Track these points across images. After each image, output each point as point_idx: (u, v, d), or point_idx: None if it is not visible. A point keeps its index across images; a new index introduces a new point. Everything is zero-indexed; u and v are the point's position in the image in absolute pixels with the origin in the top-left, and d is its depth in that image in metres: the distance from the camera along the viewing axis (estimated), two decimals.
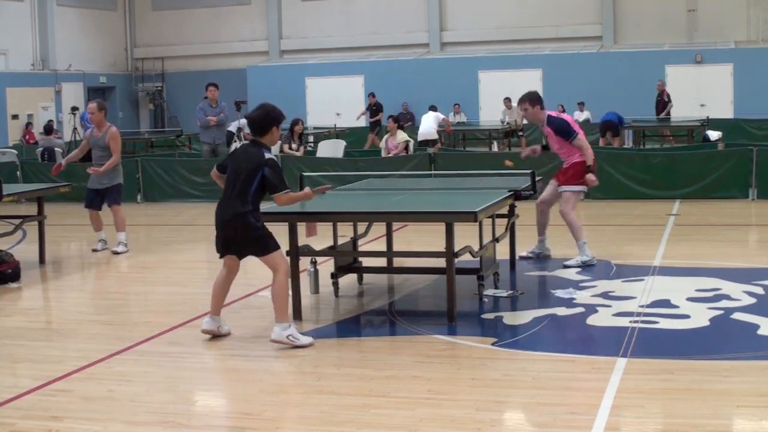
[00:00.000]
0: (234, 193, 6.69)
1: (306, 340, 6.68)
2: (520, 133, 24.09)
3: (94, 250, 11.31)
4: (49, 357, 6.72)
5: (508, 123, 24.67)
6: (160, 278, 9.99)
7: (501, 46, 30.21)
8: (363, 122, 28.37)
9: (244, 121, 21.99)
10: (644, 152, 16.26)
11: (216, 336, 6.97)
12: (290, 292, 6.92)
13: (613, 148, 19.00)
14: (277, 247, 6.71)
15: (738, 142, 17.54)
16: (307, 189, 7.05)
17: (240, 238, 6.71)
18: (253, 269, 10.52)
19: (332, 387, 5.78)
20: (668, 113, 24.20)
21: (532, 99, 9.62)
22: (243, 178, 6.65)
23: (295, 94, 30.35)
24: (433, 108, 22.16)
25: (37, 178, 16.78)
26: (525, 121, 24.13)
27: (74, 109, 25.77)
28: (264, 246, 6.68)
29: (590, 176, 9.51)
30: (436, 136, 20.47)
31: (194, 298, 8.36)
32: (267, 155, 6.66)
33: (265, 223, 6.76)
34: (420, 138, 19.95)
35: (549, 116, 9.64)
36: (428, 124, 20.45)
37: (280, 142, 17.46)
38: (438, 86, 28.71)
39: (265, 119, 6.74)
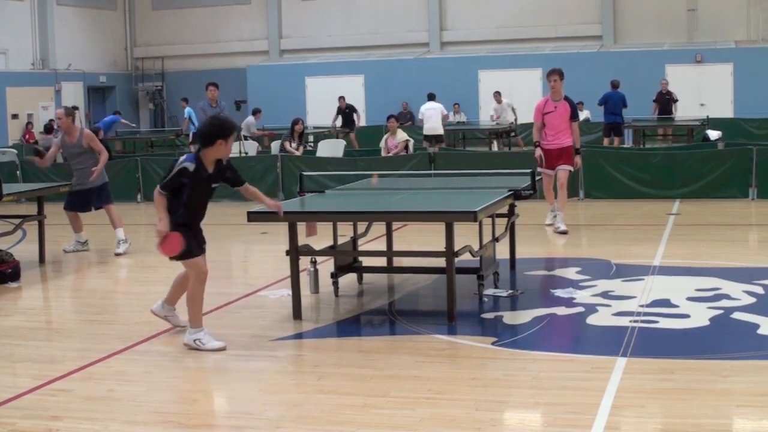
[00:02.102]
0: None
1: (215, 344, 6.62)
2: (513, 134, 23.93)
3: (66, 251, 11.28)
4: (48, 357, 6.72)
5: (497, 121, 24.53)
6: (160, 278, 9.95)
7: (501, 46, 30.21)
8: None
9: (251, 119, 22.04)
10: (644, 152, 16.25)
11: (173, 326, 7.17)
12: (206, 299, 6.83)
13: (614, 147, 18.99)
14: (195, 254, 6.64)
15: (738, 142, 17.52)
16: (164, 225, 6.55)
17: None
18: (253, 268, 10.55)
19: (332, 387, 5.78)
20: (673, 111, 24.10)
21: (562, 73, 11.43)
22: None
23: (295, 94, 30.35)
24: (431, 96, 21.71)
25: (37, 178, 16.78)
26: (518, 121, 24.05)
27: (74, 108, 25.75)
28: (185, 252, 6.61)
29: (578, 159, 11.68)
30: (442, 131, 20.33)
31: None
32: (181, 159, 6.58)
33: (182, 230, 6.58)
34: (427, 132, 19.84)
35: (566, 95, 11.49)
36: (436, 119, 20.22)
37: (280, 140, 17.48)
38: (438, 86, 28.62)
39: (210, 132, 6.59)
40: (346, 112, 25.51)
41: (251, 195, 7.11)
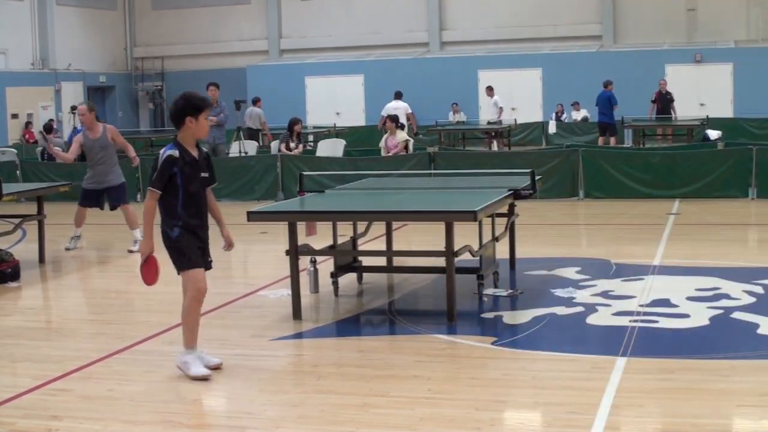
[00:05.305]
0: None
1: (198, 372, 5.97)
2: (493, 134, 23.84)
3: (68, 249, 11.31)
4: (48, 356, 6.72)
5: (490, 121, 24.72)
6: (160, 277, 9.96)
7: (500, 46, 30.21)
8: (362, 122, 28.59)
9: (257, 110, 21.66)
10: (644, 152, 16.26)
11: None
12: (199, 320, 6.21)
13: (614, 147, 19.00)
14: (190, 266, 6.03)
15: (738, 142, 17.53)
16: (147, 240, 6.09)
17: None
18: (253, 268, 10.55)
19: (332, 386, 5.78)
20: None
21: None
22: None
23: (294, 94, 30.35)
24: (399, 95, 21.97)
25: (37, 178, 16.78)
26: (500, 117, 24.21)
27: (74, 108, 25.74)
28: (175, 262, 6.08)
29: None
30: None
31: None
32: (162, 151, 6.04)
33: (184, 237, 6.01)
34: None
35: None
36: (402, 119, 20.51)
37: (278, 141, 17.44)
38: (437, 85, 28.71)
39: (175, 111, 6.06)
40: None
41: (213, 211, 6.32)
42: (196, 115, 6.02)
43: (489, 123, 24.65)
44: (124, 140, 11.54)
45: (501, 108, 24.64)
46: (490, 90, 25.25)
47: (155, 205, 6.01)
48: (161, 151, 6.03)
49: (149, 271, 6.12)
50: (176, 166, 5.96)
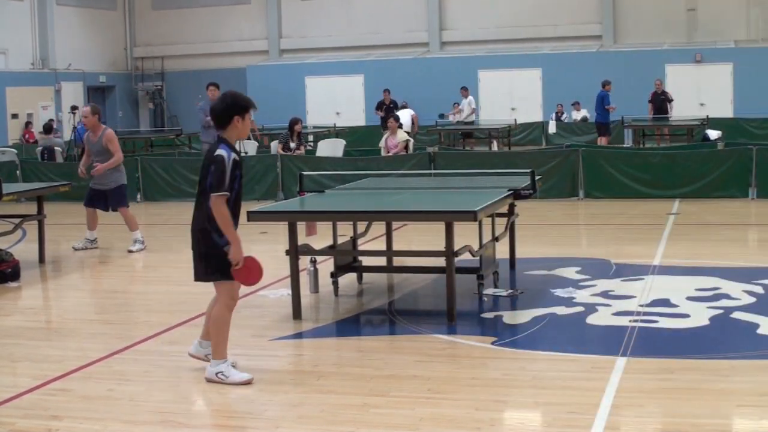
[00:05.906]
0: (198, 203, 5.89)
1: (240, 377, 5.88)
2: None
3: (75, 248, 11.31)
4: (48, 356, 6.72)
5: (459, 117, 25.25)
6: (160, 277, 9.98)
7: (500, 46, 30.21)
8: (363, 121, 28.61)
9: None
10: (644, 152, 16.26)
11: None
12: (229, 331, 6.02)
13: (614, 147, 19.00)
14: (231, 277, 5.86)
15: (738, 142, 17.53)
16: (237, 246, 5.78)
17: (198, 254, 5.90)
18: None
19: (332, 386, 5.78)
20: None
21: None
22: (201, 187, 5.85)
23: (294, 94, 30.35)
24: (404, 106, 23.12)
25: (37, 178, 16.78)
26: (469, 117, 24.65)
27: (74, 108, 25.73)
28: (216, 270, 5.85)
29: None
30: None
31: (194, 297, 8.34)
32: (218, 151, 5.75)
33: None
34: None
35: None
36: (407, 124, 21.04)
37: (276, 142, 17.43)
38: (437, 85, 28.68)
39: (224, 110, 5.85)
40: (390, 107, 25.21)
41: None
42: (244, 114, 5.88)
43: (463, 123, 25.00)
44: (117, 149, 11.16)
45: (474, 108, 25.10)
46: (465, 90, 25.72)
47: (227, 210, 5.74)
48: (221, 154, 5.73)
49: (253, 272, 5.86)
50: (239, 169, 5.81)
